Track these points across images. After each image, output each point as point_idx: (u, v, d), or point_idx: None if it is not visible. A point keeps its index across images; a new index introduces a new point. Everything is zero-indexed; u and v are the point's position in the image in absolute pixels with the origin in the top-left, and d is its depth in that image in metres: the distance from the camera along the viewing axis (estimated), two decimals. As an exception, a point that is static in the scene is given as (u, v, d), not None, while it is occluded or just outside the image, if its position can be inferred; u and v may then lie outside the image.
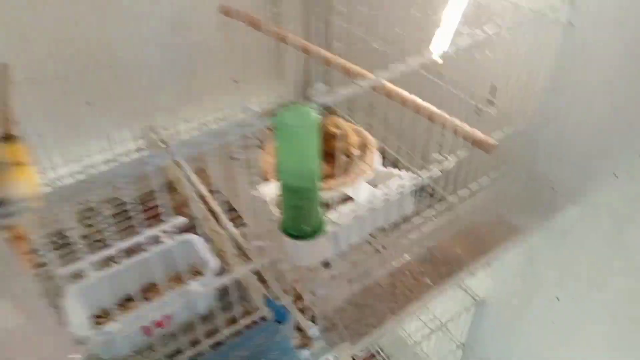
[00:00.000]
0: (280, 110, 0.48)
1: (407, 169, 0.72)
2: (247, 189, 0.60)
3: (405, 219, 0.80)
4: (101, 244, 0.98)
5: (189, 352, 0.64)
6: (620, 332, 0.88)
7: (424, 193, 0.80)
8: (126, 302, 0.70)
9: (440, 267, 0.80)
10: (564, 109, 0.79)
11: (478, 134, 0.74)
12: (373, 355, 1.69)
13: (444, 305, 1.21)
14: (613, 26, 0.68)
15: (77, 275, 0.66)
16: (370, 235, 0.76)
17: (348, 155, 0.80)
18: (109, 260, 0.72)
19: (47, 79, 0.95)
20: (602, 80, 0.73)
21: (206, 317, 0.75)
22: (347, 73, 0.76)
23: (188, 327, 0.67)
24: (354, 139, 0.83)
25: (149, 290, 0.70)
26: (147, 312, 0.58)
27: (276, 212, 0.67)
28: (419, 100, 0.66)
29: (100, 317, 0.67)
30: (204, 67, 1.08)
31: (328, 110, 1.25)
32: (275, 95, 1.20)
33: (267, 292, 0.82)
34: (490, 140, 0.74)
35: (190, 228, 1.07)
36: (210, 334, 0.76)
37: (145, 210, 1.07)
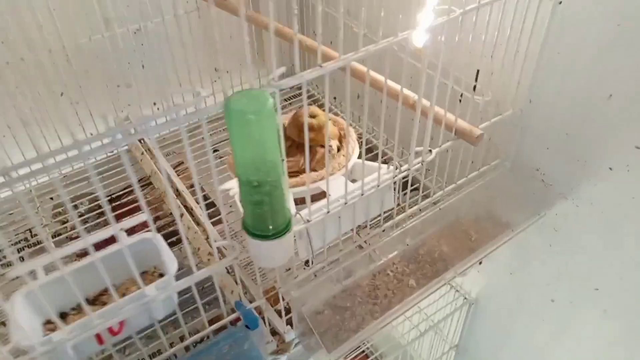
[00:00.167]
0: (231, 95, 0.43)
1: (390, 162, 0.67)
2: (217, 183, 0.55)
3: (387, 216, 0.75)
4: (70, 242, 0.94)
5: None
6: (616, 332, 0.83)
7: (407, 188, 0.74)
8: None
9: (425, 267, 0.75)
10: (554, 94, 0.74)
11: (462, 123, 0.69)
12: (366, 356, 1.65)
13: (437, 304, 1.16)
14: (604, 2, 0.63)
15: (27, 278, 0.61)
16: (351, 232, 0.71)
17: (324, 147, 0.75)
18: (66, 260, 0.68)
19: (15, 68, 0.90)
20: (595, 61, 0.67)
21: (170, 323, 0.71)
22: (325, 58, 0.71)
23: (150, 333, 0.63)
24: (331, 129, 0.79)
25: (107, 294, 0.65)
26: (98, 319, 0.53)
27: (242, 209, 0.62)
28: (396, 87, 0.61)
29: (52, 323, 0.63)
30: (183, 56, 1.04)
31: (313, 101, 1.21)
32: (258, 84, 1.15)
33: (241, 294, 0.78)
34: (476, 131, 0.69)
35: (166, 225, 1.03)
36: (174, 340, 0.72)
37: (118, 207, 1.03)
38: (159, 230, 1.01)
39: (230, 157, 0.73)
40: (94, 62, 0.99)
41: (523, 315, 1.00)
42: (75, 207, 1.08)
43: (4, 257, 0.94)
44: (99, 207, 1.08)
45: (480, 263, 0.79)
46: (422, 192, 0.77)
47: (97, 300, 0.65)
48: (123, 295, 0.66)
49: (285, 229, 0.53)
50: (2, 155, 0.93)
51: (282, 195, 0.50)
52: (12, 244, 1.03)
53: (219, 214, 1.01)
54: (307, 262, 0.73)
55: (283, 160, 0.54)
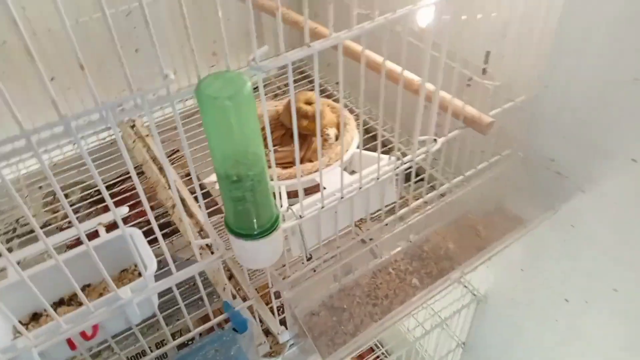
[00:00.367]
0: (203, 78, 0.38)
1: (392, 151, 0.61)
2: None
3: (389, 210, 0.70)
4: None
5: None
6: (632, 333, 0.77)
7: (411, 180, 0.69)
8: (59, 306, 0.61)
9: (429, 264, 0.70)
10: (572, 78, 0.67)
11: (471, 110, 0.63)
12: (372, 350, 1.61)
13: (444, 300, 1.11)
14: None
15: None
16: (350, 227, 0.66)
17: (322, 136, 0.70)
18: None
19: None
20: (618, 41, 0.61)
21: (155, 322, 0.66)
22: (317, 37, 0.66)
23: (130, 336, 0.58)
24: (329, 117, 0.73)
25: (84, 293, 0.61)
26: (68, 323, 0.48)
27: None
28: (397, 69, 0.55)
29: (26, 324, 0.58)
30: (180, 40, 0.99)
31: (312, 87, 1.15)
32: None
33: (233, 291, 0.73)
34: (486, 118, 0.63)
35: (159, 216, 0.98)
36: (158, 344, 0.67)
37: (110, 196, 0.98)
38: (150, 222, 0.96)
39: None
40: (84, 47, 0.94)
41: (534, 314, 0.94)
42: (67, 196, 1.04)
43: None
44: (91, 196, 1.03)
45: (489, 259, 0.74)
46: (428, 184, 0.71)
47: (74, 300, 0.61)
48: (100, 295, 0.62)
49: (272, 228, 0.47)
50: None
51: (267, 190, 0.45)
52: (1, 234, 1.00)
53: (216, 204, 0.96)
54: (309, 258, 0.68)
55: (270, 151, 0.49)
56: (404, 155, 0.62)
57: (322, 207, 0.57)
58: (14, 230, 1.00)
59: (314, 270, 0.67)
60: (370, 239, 0.71)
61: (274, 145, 0.72)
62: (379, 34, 0.45)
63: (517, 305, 0.97)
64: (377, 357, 1.57)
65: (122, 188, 1.01)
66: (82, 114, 0.38)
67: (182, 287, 0.79)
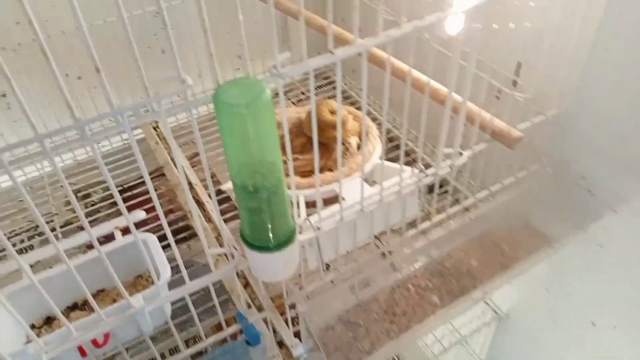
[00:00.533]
0: (222, 85, 0.36)
1: (415, 164, 0.59)
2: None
3: (411, 223, 0.67)
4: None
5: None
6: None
7: (434, 193, 0.66)
8: (72, 310, 0.60)
9: (450, 282, 0.67)
10: (608, 91, 0.64)
11: (499, 123, 0.61)
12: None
13: (464, 316, 1.07)
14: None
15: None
16: (370, 239, 0.64)
17: (343, 144, 0.68)
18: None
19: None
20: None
21: (166, 330, 0.65)
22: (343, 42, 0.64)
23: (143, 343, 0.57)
24: (352, 125, 0.71)
25: (97, 298, 0.60)
26: (78, 330, 0.47)
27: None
28: (423, 77, 0.53)
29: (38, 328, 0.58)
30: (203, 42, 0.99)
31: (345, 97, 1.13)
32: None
33: (248, 300, 0.71)
34: (515, 133, 0.60)
35: (178, 219, 0.98)
36: (171, 350, 0.66)
37: (132, 197, 0.98)
38: (170, 224, 0.96)
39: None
40: (111, 46, 0.94)
41: (558, 337, 0.90)
42: (89, 195, 1.04)
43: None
44: (112, 196, 1.04)
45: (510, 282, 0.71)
46: (451, 197, 0.68)
47: (87, 304, 0.60)
48: (114, 301, 0.61)
49: (288, 241, 0.46)
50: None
51: (283, 202, 0.43)
52: (23, 231, 1.00)
53: (235, 209, 0.95)
54: (328, 266, 0.66)
55: (288, 160, 0.47)
56: (428, 166, 0.60)
57: (341, 219, 0.55)
58: (36, 227, 1.01)
59: (332, 282, 0.65)
60: (390, 252, 0.69)
61: (295, 153, 0.70)
62: (405, 41, 0.43)
63: (541, 325, 0.93)
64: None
65: (145, 189, 1.00)
66: (97, 118, 0.37)
67: (197, 293, 0.78)
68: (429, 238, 0.68)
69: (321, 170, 0.69)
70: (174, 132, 1.11)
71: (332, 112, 0.70)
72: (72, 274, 0.50)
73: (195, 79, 1.00)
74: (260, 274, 0.49)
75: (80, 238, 0.58)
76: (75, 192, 1.05)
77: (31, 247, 0.99)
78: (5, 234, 0.99)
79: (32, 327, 0.57)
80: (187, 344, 0.59)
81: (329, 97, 1.18)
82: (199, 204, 0.91)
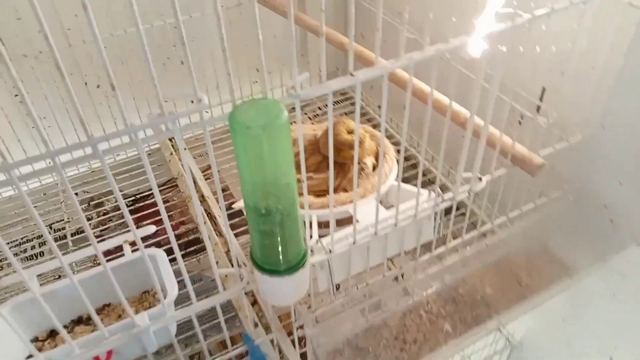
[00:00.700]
0: (238, 105, 0.35)
1: (432, 187, 0.57)
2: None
3: (425, 246, 0.65)
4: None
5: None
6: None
7: (450, 215, 0.64)
8: (77, 324, 0.59)
9: (464, 310, 0.65)
10: (634, 118, 0.62)
11: (521, 149, 0.59)
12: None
13: (475, 344, 1.04)
14: None
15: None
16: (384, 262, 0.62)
17: (359, 164, 0.67)
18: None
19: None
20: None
21: (169, 347, 0.64)
22: (364, 62, 0.63)
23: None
24: (369, 145, 0.70)
25: (103, 313, 0.59)
26: (81, 348, 0.46)
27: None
28: (444, 99, 0.52)
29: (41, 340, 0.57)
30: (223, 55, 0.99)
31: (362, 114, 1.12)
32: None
33: (256, 319, 0.70)
34: (536, 159, 0.58)
35: (189, 232, 0.97)
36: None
37: (146, 207, 0.97)
38: (181, 236, 0.95)
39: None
40: (132, 55, 0.94)
41: (574, 369, 0.87)
42: (101, 204, 1.04)
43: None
44: (126, 205, 1.03)
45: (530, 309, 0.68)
46: (468, 221, 0.66)
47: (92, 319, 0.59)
48: (119, 317, 0.60)
49: (299, 264, 0.44)
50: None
51: (296, 225, 0.42)
52: (35, 237, 1.00)
53: (246, 224, 0.94)
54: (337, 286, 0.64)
55: (303, 181, 0.46)
56: (445, 187, 0.58)
57: (354, 243, 0.54)
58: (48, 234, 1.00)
59: (342, 306, 0.63)
60: (403, 275, 0.67)
61: (309, 172, 0.69)
62: (427, 63, 0.42)
63: (556, 356, 0.90)
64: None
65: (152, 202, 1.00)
66: (111, 136, 0.36)
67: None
68: (443, 264, 0.66)
69: (335, 190, 0.68)
70: (189, 143, 1.11)
71: (349, 132, 0.69)
72: (77, 288, 0.49)
73: (213, 90, 1.01)
74: (269, 297, 0.47)
75: (87, 251, 0.57)
76: (89, 200, 1.05)
77: (42, 254, 0.98)
78: (17, 240, 1.00)
79: (36, 340, 0.56)
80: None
81: (346, 113, 1.16)
82: (211, 217, 0.90)
